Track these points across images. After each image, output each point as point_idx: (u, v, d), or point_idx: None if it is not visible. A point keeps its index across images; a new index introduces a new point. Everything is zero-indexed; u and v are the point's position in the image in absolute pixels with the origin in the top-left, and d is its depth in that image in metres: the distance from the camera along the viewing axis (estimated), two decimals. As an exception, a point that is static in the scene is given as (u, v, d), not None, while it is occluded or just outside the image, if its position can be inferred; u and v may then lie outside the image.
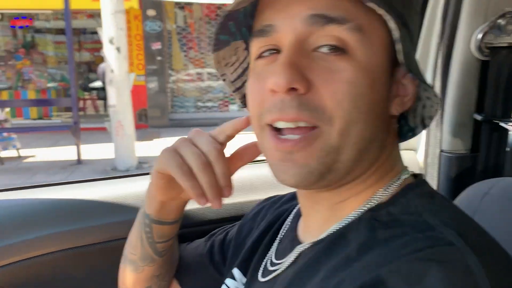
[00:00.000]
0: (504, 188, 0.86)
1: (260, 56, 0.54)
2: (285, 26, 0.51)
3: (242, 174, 1.14)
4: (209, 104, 10.09)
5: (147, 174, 1.18)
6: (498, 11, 0.98)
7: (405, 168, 0.59)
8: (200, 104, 10.05)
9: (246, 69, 0.64)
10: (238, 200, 1.11)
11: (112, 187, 1.11)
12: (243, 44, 0.61)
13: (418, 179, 0.58)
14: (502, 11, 0.97)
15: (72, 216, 1.02)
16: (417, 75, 0.52)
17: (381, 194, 0.55)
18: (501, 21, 0.96)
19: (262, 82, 0.52)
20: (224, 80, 0.65)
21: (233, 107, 10.03)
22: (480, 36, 0.97)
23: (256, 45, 0.54)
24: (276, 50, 0.53)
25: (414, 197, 0.53)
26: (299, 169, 0.51)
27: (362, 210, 0.54)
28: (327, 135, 0.50)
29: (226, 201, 1.09)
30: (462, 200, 0.92)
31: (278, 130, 0.53)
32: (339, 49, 0.49)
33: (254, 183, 1.14)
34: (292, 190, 1.01)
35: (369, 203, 0.54)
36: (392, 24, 0.48)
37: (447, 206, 0.54)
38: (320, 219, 0.58)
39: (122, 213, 1.03)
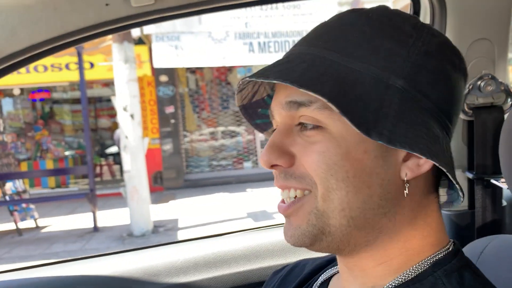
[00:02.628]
0: (499, 246, 0.86)
1: None
2: (275, 112, 0.59)
3: (244, 243, 1.17)
4: (223, 162, 10.17)
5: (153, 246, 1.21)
6: (476, 74, 1.02)
7: (449, 241, 0.59)
8: (214, 163, 10.14)
9: None
10: (242, 269, 1.13)
11: (125, 259, 1.13)
12: None
13: (449, 251, 0.58)
14: (480, 74, 1.02)
15: None
16: (400, 144, 0.50)
17: (415, 269, 0.56)
18: (480, 83, 1.01)
19: None
20: None
21: (247, 165, 10.10)
22: (461, 98, 1.02)
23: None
24: None
25: (442, 275, 0.54)
26: (294, 230, 0.57)
27: (398, 282, 0.56)
28: (314, 199, 0.55)
29: (231, 270, 1.11)
30: (460, 259, 0.92)
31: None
32: (314, 126, 0.55)
33: (258, 251, 1.16)
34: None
35: (399, 280, 0.56)
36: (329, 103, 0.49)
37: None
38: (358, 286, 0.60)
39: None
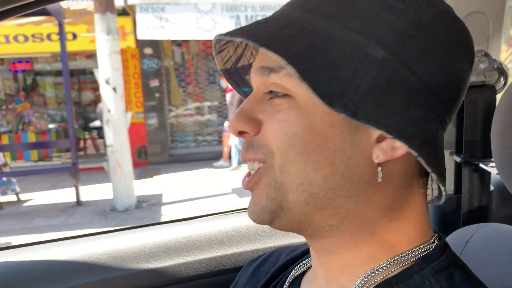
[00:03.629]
0: (486, 235, 0.82)
1: None
2: (252, 78, 0.56)
3: (218, 227, 1.11)
4: (209, 138, 10.10)
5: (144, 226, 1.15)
6: (469, 50, 0.96)
7: (433, 235, 0.54)
8: (200, 138, 10.06)
9: None
10: (216, 254, 1.07)
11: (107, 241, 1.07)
12: None
13: (435, 246, 0.53)
14: (472, 50, 0.95)
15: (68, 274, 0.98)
16: (369, 122, 0.44)
17: (394, 263, 0.51)
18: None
19: None
20: None
21: (233, 140, 10.04)
22: (452, 75, 0.95)
23: None
24: None
25: (430, 274, 0.49)
26: (254, 206, 0.54)
27: (370, 281, 0.50)
28: (271, 169, 0.51)
29: (204, 255, 1.05)
30: (445, 247, 0.88)
31: None
32: (283, 94, 0.50)
33: (232, 235, 1.10)
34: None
35: (376, 273, 0.50)
36: (289, 68, 0.44)
37: None
38: (324, 276, 0.56)
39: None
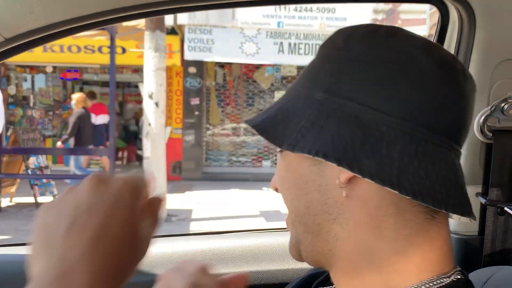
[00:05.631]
0: (505, 278, 0.82)
1: None
2: None
3: (243, 244, 1.15)
4: (242, 159, 10.19)
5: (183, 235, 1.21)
6: (501, 95, 0.98)
7: (454, 269, 0.54)
8: (233, 158, 10.17)
9: None
10: (239, 269, 1.11)
11: None
12: None
13: (454, 281, 0.53)
14: (505, 96, 0.97)
15: None
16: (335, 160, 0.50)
17: None
18: (504, 105, 0.96)
19: None
20: None
21: (266, 163, 10.09)
22: (482, 119, 0.97)
23: None
24: None
25: None
26: (289, 244, 0.62)
27: None
28: None
29: (228, 269, 1.10)
30: (463, 286, 0.88)
31: None
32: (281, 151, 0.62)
33: (255, 253, 1.14)
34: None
35: None
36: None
37: None
38: None
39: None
